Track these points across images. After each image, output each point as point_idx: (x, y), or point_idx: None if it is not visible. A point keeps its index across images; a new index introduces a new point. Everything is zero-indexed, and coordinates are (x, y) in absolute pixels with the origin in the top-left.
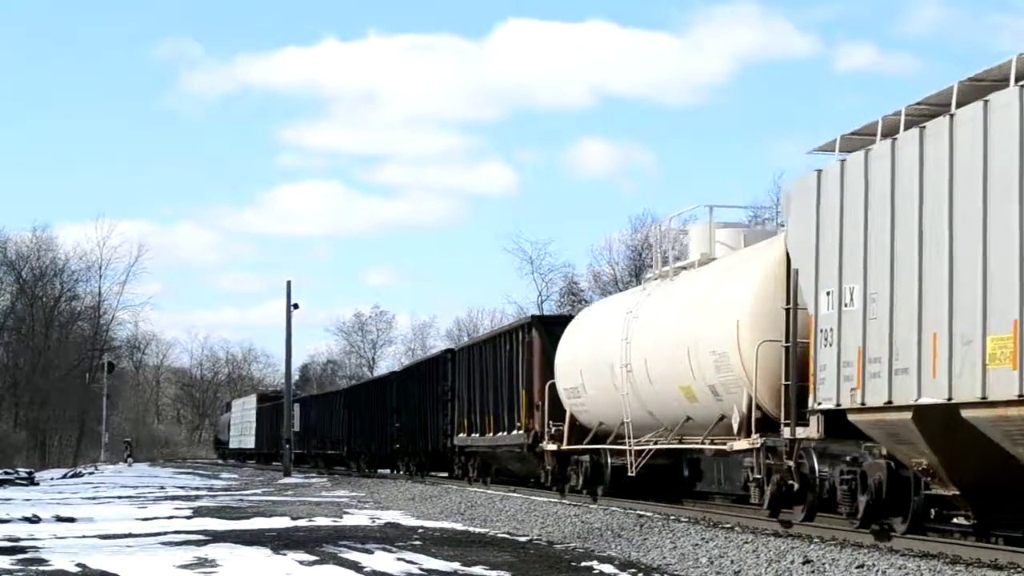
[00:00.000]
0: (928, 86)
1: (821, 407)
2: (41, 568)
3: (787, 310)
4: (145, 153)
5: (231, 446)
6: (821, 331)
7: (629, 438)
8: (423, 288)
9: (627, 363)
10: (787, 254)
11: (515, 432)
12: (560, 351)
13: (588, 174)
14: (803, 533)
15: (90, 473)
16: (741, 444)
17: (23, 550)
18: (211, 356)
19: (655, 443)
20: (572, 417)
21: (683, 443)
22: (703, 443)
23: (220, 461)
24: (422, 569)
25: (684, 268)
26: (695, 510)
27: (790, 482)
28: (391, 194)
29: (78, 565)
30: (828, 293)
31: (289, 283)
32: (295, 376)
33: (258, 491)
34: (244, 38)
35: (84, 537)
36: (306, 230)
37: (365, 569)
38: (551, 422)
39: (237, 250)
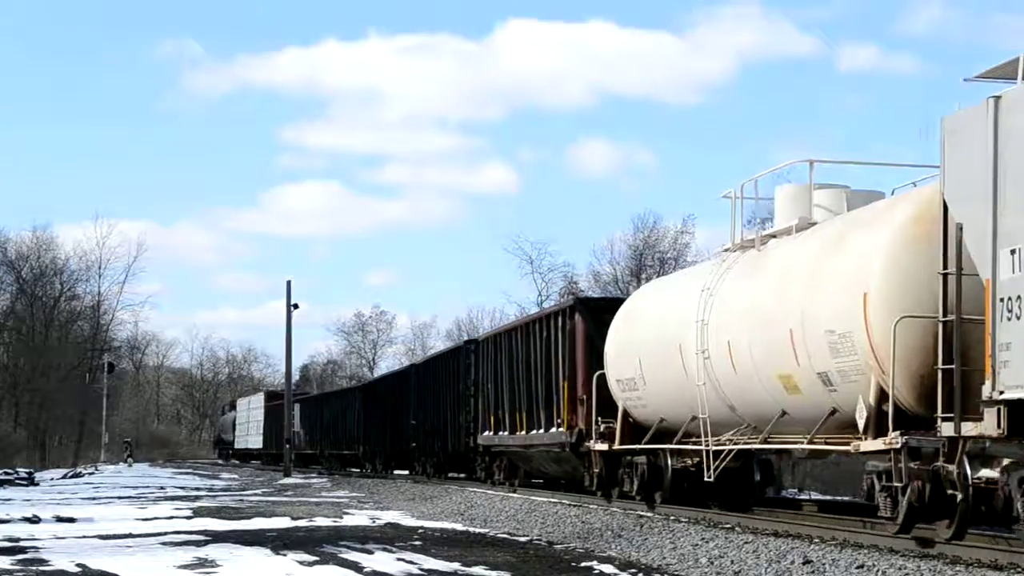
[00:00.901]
0: (929, 85)
1: (1004, 396)
2: (41, 568)
3: (944, 276)
4: (145, 153)
5: (237, 446)
6: (1002, 300)
7: (707, 436)
8: (423, 288)
9: (703, 349)
10: (942, 206)
11: (553, 430)
12: (611, 337)
13: (589, 174)
14: (802, 533)
15: (90, 473)
16: (873, 444)
17: (23, 550)
18: (211, 356)
19: (741, 442)
20: (625, 412)
21: (775, 442)
22: (807, 442)
23: (220, 461)
24: (422, 569)
25: (773, 236)
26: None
27: (928, 491)
28: (391, 194)
29: (78, 565)
30: (1013, 252)
31: (289, 283)
32: (295, 376)
33: (258, 491)
34: (245, 38)
35: (84, 537)
36: (306, 230)
37: (365, 569)
38: (600, 418)
39: (237, 250)
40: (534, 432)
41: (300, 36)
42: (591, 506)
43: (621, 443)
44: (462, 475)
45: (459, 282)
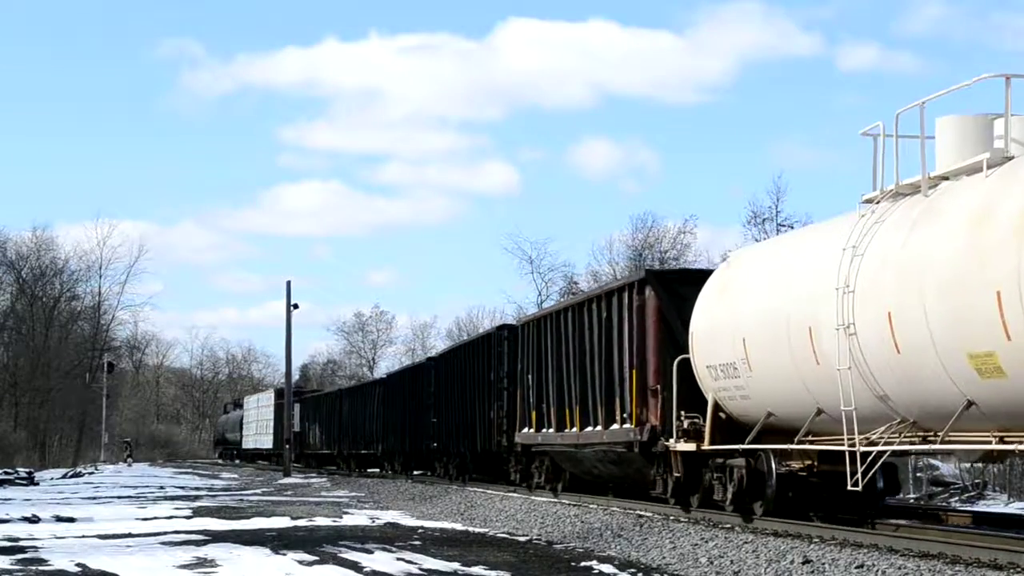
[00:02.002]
0: (930, 85)
1: None
2: (41, 568)
3: None
4: (145, 153)
5: (244, 446)
6: None
7: (855, 434)
8: (423, 288)
9: (847, 323)
10: None
11: (617, 426)
12: (700, 315)
13: (589, 173)
14: (802, 533)
15: (90, 473)
16: None
17: (23, 550)
18: (211, 356)
19: (900, 441)
20: (716, 406)
21: (958, 441)
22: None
23: (220, 461)
24: (422, 569)
25: (944, 178)
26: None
27: None
28: (392, 194)
29: (78, 565)
30: None
31: (289, 283)
32: (295, 376)
33: (258, 491)
34: (245, 38)
35: (84, 537)
36: (306, 230)
37: (365, 569)
38: (683, 412)
39: (237, 250)
40: (589, 430)
41: (300, 36)
42: (591, 506)
43: (712, 442)
44: (491, 478)
45: (459, 282)
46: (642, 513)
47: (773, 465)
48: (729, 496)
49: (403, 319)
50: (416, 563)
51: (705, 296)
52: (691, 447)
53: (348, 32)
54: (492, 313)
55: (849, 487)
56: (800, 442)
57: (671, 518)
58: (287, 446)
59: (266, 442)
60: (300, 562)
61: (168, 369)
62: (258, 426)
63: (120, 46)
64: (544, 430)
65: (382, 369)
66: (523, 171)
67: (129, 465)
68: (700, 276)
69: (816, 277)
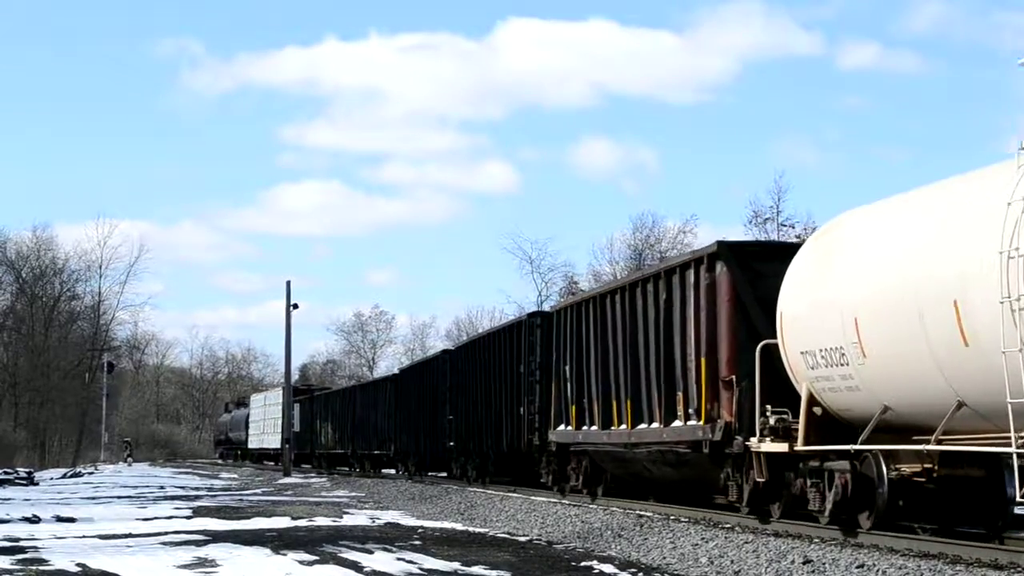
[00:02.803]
0: (931, 84)
1: None
2: (41, 568)
3: None
4: (145, 153)
5: (251, 446)
6: None
7: (1018, 431)
8: (423, 288)
9: (1016, 295)
10: None
11: (679, 423)
12: (792, 292)
13: (590, 173)
14: (803, 533)
15: (90, 473)
16: None
17: (23, 550)
18: (211, 356)
19: None
20: (811, 399)
21: None
22: None
23: (220, 461)
24: (422, 569)
25: None
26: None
27: None
28: (392, 193)
29: (78, 565)
30: None
31: (289, 283)
32: (295, 376)
33: (258, 491)
34: (245, 37)
35: (84, 537)
36: (307, 229)
37: (365, 569)
38: (769, 407)
39: (237, 250)
40: (643, 427)
41: (300, 35)
42: (591, 506)
43: (807, 442)
44: (514, 480)
45: (459, 282)
46: (642, 513)
47: (884, 469)
48: (829, 506)
49: (403, 319)
50: (416, 563)
51: (799, 270)
52: (781, 447)
53: (348, 31)
54: (492, 313)
55: (1019, 497)
56: (940, 442)
57: (671, 518)
58: (287, 446)
59: (273, 442)
60: (300, 562)
61: (168, 369)
62: (265, 425)
63: (120, 45)
64: (585, 427)
65: (382, 369)
66: (523, 171)
67: (129, 465)
68: (783, 249)
69: (966, 240)
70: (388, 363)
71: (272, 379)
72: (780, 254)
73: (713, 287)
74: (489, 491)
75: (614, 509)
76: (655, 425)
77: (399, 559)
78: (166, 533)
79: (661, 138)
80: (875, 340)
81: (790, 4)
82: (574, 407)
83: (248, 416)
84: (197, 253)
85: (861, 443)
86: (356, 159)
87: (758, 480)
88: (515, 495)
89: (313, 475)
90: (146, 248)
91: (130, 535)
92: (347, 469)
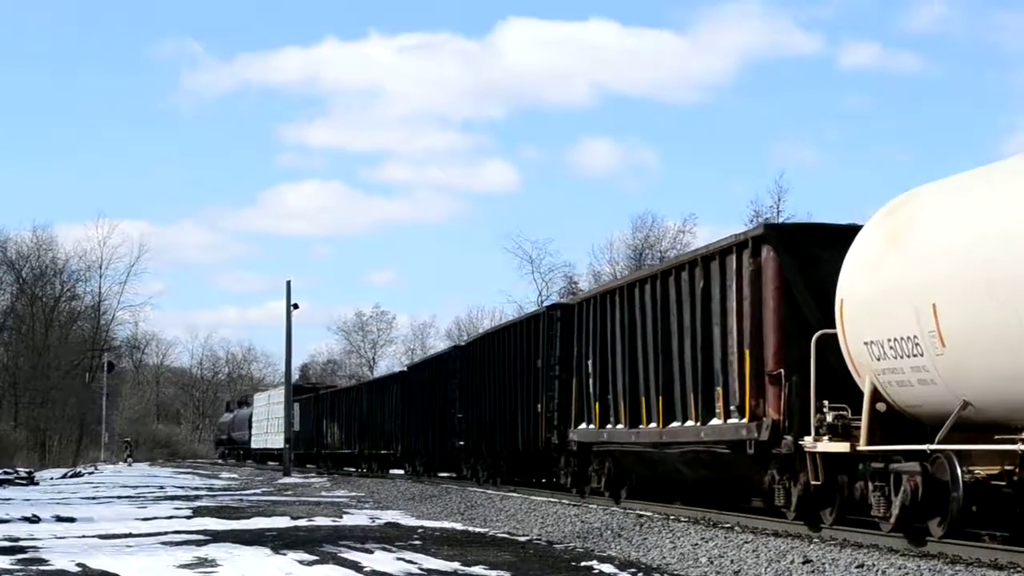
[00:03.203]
0: (932, 84)
1: None
2: (41, 568)
3: None
4: (145, 153)
5: (254, 446)
6: None
7: None
8: (424, 288)
9: None
10: None
11: (718, 421)
12: (855, 276)
13: (591, 173)
14: (802, 533)
15: (90, 473)
16: None
17: (23, 550)
18: (211, 356)
19: None
20: (874, 394)
21: None
22: None
23: (220, 461)
24: (422, 569)
25: None
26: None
27: None
28: (392, 193)
29: (78, 565)
30: None
31: (289, 283)
32: (295, 376)
33: (258, 491)
34: (245, 37)
35: (84, 537)
36: (307, 229)
37: (365, 569)
38: (826, 403)
39: (238, 250)
40: (676, 426)
41: (300, 35)
42: (591, 506)
43: (871, 441)
44: (529, 481)
45: (459, 282)
46: (642, 513)
47: (959, 472)
48: (896, 511)
49: (403, 319)
50: (416, 563)
51: (864, 251)
52: (842, 447)
53: (348, 31)
54: (492, 313)
55: None
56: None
57: (671, 518)
58: (287, 446)
59: (277, 441)
60: (300, 562)
61: (168, 369)
62: (268, 425)
63: (120, 46)
64: (610, 426)
65: (382, 369)
66: (524, 171)
67: (129, 465)
68: (837, 232)
69: None
70: (388, 363)
71: (273, 379)
72: (833, 236)
73: (759, 273)
74: (489, 491)
75: (614, 509)
76: (690, 424)
77: (399, 559)
78: (166, 533)
79: (662, 138)
80: (956, 328)
81: (790, 4)
82: (597, 404)
83: (251, 415)
84: (197, 253)
85: (939, 442)
86: (356, 159)
87: (812, 483)
88: (515, 495)
89: (313, 475)
90: (146, 248)
91: (130, 535)
92: (353, 470)
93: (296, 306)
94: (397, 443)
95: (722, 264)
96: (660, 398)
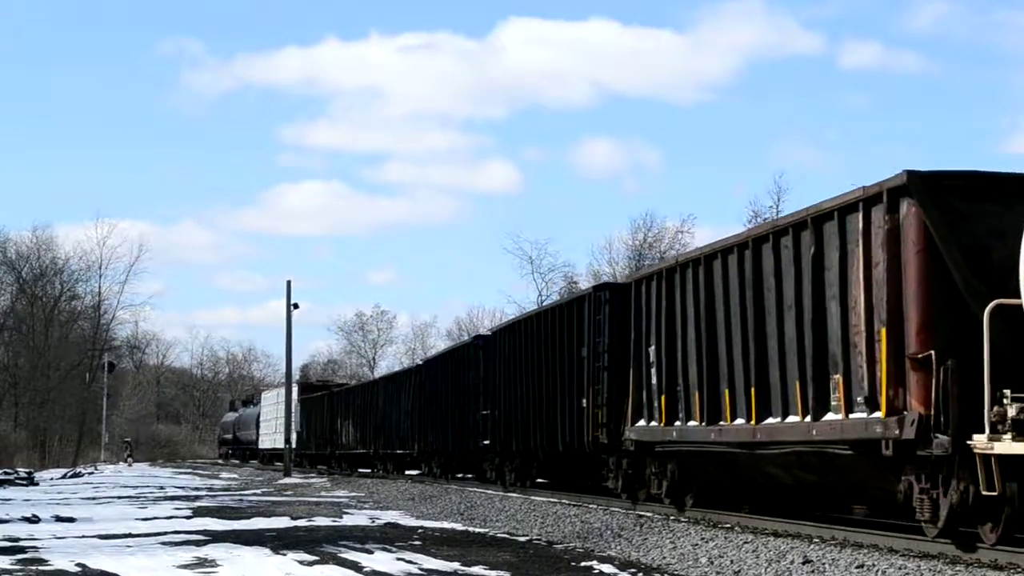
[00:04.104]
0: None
1: None
2: (41, 568)
3: None
4: (145, 153)
5: (262, 446)
6: None
7: None
8: (424, 288)
9: None
10: None
11: (837, 416)
12: None
13: (592, 173)
14: (803, 533)
15: (90, 473)
16: None
17: (23, 550)
18: (211, 356)
19: None
20: None
21: None
22: None
23: (220, 461)
24: (422, 569)
25: None
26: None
27: None
28: (393, 193)
29: (78, 565)
30: None
31: (289, 283)
32: (295, 376)
33: (258, 491)
34: (245, 37)
35: (84, 537)
36: (307, 229)
37: (365, 569)
38: (1007, 393)
39: (238, 249)
40: (774, 422)
41: (301, 35)
42: (591, 505)
43: None
44: (562, 485)
45: (460, 282)
46: (642, 513)
47: None
48: None
49: (403, 319)
50: (416, 563)
51: None
52: None
53: (348, 31)
54: (492, 313)
55: None
56: None
57: (671, 518)
58: (287, 446)
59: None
60: (300, 562)
61: (168, 369)
62: (278, 424)
63: (120, 45)
64: (679, 423)
65: (382, 369)
66: (525, 170)
67: (129, 465)
68: (1000, 182)
69: None
70: (389, 363)
71: (273, 379)
72: (995, 188)
73: (896, 234)
74: (489, 491)
75: (614, 509)
76: (793, 419)
77: (399, 559)
78: (166, 533)
79: (662, 138)
80: None
81: (791, 3)
82: (663, 397)
83: (259, 414)
84: (197, 253)
85: None
86: (357, 159)
87: (984, 493)
88: (515, 495)
89: (313, 475)
90: (146, 248)
91: (130, 535)
92: (369, 471)
93: (296, 306)
94: (413, 442)
95: (842, 224)
96: (752, 390)
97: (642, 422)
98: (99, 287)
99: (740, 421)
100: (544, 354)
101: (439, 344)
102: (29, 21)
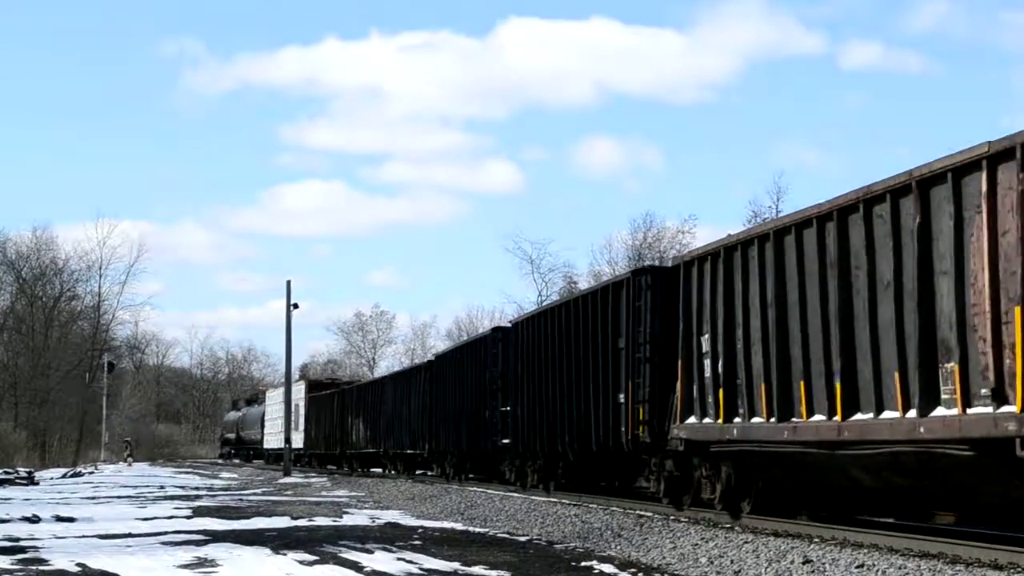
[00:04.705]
0: (935, 83)
1: None
2: (41, 568)
3: None
4: (145, 153)
5: (267, 445)
6: None
7: None
8: (424, 288)
9: None
10: None
11: (953, 411)
12: None
13: (593, 173)
14: (803, 533)
15: (90, 473)
16: None
17: (23, 550)
18: (211, 356)
19: None
20: None
21: None
22: None
23: (220, 461)
24: (422, 569)
25: None
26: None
27: None
28: (393, 193)
29: (78, 565)
30: None
31: (289, 283)
32: (295, 376)
33: (258, 491)
34: (245, 37)
35: (84, 537)
36: (307, 229)
37: (365, 569)
38: None
39: (238, 249)
40: (864, 418)
41: (301, 35)
42: (591, 505)
43: None
44: (590, 488)
45: (460, 282)
46: (642, 513)
47: None
48: None
49: (403, 319)
50: (416, 563)
51: None
52: None
53: (349, 31)
54: (492, 313)
55: None
56: None
57: (671, 518)
58: (287, 445)
59: (295, 441)
60: (300, 562)
61: (168, 369)
62: (285, 423)
63: (120, 45)
64: (741, 420)
65: (382, 369)
66: (526, 170)
67: (129, 465)
68: None
69: None
70: (388, 363)
71: (273, 379)
72: None
73: None
74: (489, 491)
75: (614, 509)
76: (892, 415)
77: (399, 559)
78: (166, 533)
79: (664, 137)
80: None
81: (792, 3)
82: (720, 392)
83: (264, 414)
84: (197, 253)
85: None
86: (357, 159)
87: None
88: (515, 495)
89: (313, 475)
90: (146, 248)
91: (130, 535)
92: (380, 471)
93: (296, 306)
94: (424, 442)
95: (957, 187)
96: (837, 382)
97: (692, 419)
98: (99, 287)
99: (819, 417)
100: (574, 346)
101: (439, 344)
102: (29, 21)
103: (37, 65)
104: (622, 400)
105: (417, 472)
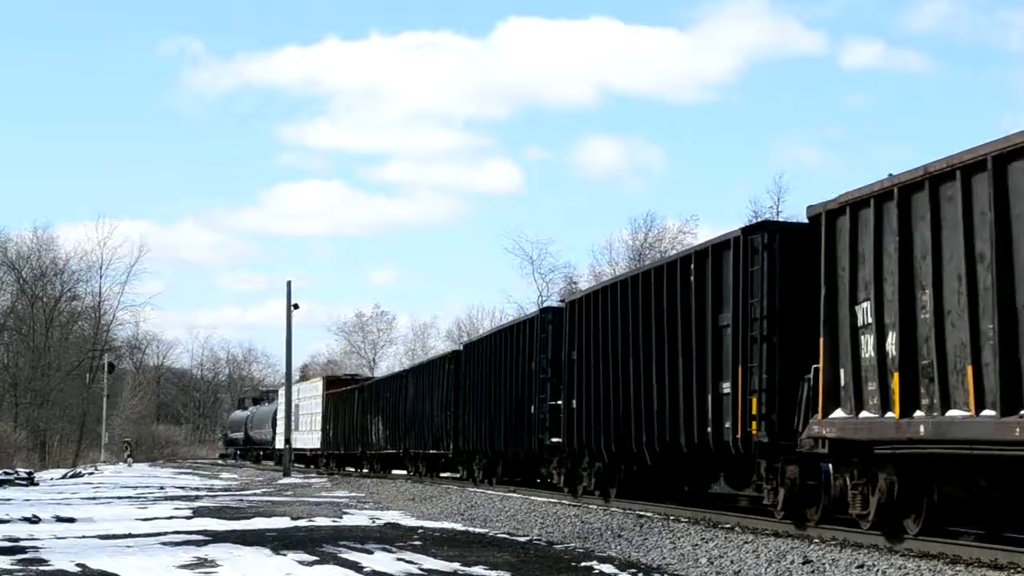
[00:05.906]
0: (935, 83)
1: None
2: (41, 568)
3: None
4: (145, 153)
5: (279, 446)
6: None
7: None
8: (424, 288)
9: None
10: None
11: None
12: None
13: (594, 172)
14: (803, 533)
15: (90, 473)
16: None
17: (23, 550)
18: (211, 356)
19: None
20: None
21: None
22: None
23: (220, 462)
24: (422, 569)
25: None
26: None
27: None
28: (394, 193)
29: (78, 565)
30: None
31: (289, 283)
32: (295, 376)
33: (258, 491)
34: (246, 36)
35: (84, 537)
36: (308, 229)
37: (365, 569)
38: None
39: (238, 249)
40: None
41: (301, 34)
42: (591, 506)
43: None
44: (662, 499)
45: (460, 282)
46: (642, 513)
47: None
48: None
49: (403, 319)
50: (416, 563)
51: None
52: None
53: (349, 31)
54: (492, 313)
55: None
56: None
57: (671, 518)
58: (287, 445)
59: (312, 441)
60: (300, 562)
61: (169, 369)
62: (300, 423)
63: (120, 44)
64: (924, 413)
65: (383, 369)
66: (527, 170)
67: (129, 465)
68: None
69: None
70: (389, 363)
71: (273, 379)
72: None
73: None
74: (489, 491)
75: (614, 509)
76: None
77: (399, 559)
78: (166, 533)
79: (664, 137)
80: None
81: (793, 2)
82: (896, 377)
83: (275, 412)
84: (197, 253)
85: None
86: (357, 159)
87: None
88: (515, 495)
89: (313, 475)
90: (146, 248)
91: (130, 535)
92: (404, 472)
93: (296, 306)
94: (448, 441)
95: None
96: None
97: (840, 412)
98: (99, 287)
99: None
100: (655, 325)
101: (439, 345)
102: (29, 21)
103: (37, 65)
104: (727, 390)
105: (442, 475)
